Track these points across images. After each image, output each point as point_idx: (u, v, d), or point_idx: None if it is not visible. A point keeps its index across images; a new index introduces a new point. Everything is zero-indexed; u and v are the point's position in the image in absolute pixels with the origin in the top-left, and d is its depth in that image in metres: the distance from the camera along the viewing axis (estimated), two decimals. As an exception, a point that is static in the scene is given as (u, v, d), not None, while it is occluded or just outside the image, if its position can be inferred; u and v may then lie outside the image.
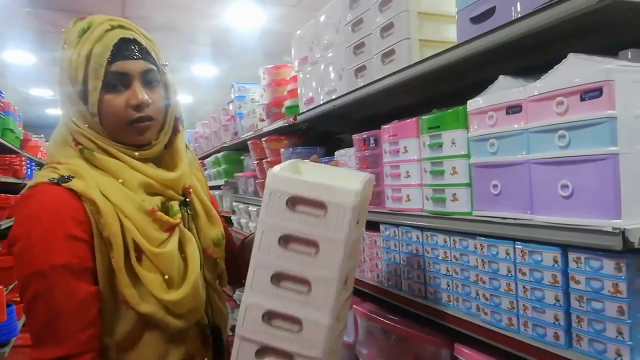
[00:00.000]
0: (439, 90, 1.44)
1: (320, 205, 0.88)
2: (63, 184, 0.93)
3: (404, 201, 1.34)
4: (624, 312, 0.81)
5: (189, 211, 1.09)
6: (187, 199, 1.09)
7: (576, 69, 0.89)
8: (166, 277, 0.96)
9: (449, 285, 1.23)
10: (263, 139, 2.53)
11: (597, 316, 0.85)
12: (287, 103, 2.31)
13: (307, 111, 1.98)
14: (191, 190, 1.10)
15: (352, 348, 1.68)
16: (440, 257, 1.25)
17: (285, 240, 0.90)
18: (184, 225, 1.06)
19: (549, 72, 0.95)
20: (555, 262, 0.92)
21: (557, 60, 0.94)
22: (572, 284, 0.90)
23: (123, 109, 0.98)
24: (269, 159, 2.49)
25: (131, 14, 4.67)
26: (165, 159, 1.07)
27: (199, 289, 1.02)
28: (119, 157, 1.00)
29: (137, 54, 0.99)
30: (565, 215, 0.89)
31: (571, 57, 0.91)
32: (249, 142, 2.79)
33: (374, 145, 1.48)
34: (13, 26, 4.88)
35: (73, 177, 0.95)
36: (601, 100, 0.82)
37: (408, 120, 1.32)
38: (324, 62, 1.83)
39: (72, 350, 0.88)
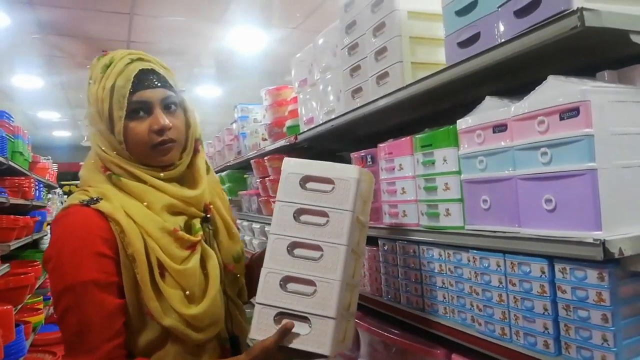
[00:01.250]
0: (431, 109, 1.50)
1: (328, 181, 1.06)
2: (92, 206, 1.01)
3: (401, 216, 1.39)
4: (608, 320, 0.85)
5: (210, 227, 1.15)
6: (208, 216, 1.15)
7: (555, 90, 0.94)
8: (187, 292, 1.03)
9: (444, 298, 1.27)
10: (265, 158, 2.59)
11: (583, 324, 0.89)
12: (288, 123, 2.37)
13: (307, 130, 2.04)
14: (212, 207, 1.17)
15: (354, 362, 1.71)
16: (435, 270, 1.29)
17: (299, 213, 1.07)
18: (206, 241, 1.12)
19: (531, 93, 1.00)
20: (543, 272, 0.96)
21: (540, 81, 1.00)
22: (559, 294, 0.94)
23: (146, 134, 1.06)
24: (271, 177, 2.54)
25: (137, 39, 4.79)
26: (187, 178, 1.15)
27: (219, 304, 1.09)
28: (145, 179, 1.07)
29: (155, 82, 1.07)
30: (550, 227, 0.94)
31: (551, 79, 0.96)
32: (252, 160, 2.86)
33: (371, 162, 1.54)
34: (22, 52, 5.02)
35: (101, 199, 1.03)
36: (579, 119, 0.88)
37: (402, 139, 1.37)
38: (322, 83, 1.90)
39: (100, 359, 0.95)
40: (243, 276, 1.23)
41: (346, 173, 1.06)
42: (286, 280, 1.04)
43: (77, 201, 1.03)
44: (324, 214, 1.05)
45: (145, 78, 1.06)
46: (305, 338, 1.01)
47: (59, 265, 0.97)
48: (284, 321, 1.01)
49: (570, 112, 0.89)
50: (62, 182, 10.55)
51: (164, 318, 1.00)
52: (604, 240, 0.83)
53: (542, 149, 0.94)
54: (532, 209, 0.98)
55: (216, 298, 1.07)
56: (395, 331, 1.48)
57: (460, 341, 1.20)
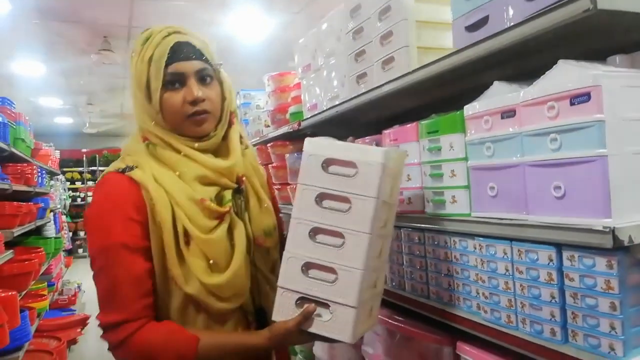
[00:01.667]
0: (439, 95, 1.48)
1: (351, 164, 1.00)
2: (127, 173, 1.07)
3: (406, 204, 1.38)
4: (616, 308, 0.85)
5: (241, 199, 1.16)
6: (241, 187, 1.16)
7: (566, 74, 0.92)
8: (211, 261, 1.05)
9: (449, 285, 1.26)
10: (268, 145, 2.57)
11: (591, 312, 0.89)
12: (292, 109, 2.36)
13: (310, 117, 2.03)
14: (244, 179, 1.17)
15: (358, 348, 1.72)
16: (441, 258, 1.28)
17: (321, 198, 1.02)
18: (236, 213, 1.13)
19: (540, 77, 0.98)
20: (550, 260, 0.96)
21: (550, 65, 0.98)
22: (566, 282, 0.93)
23: (181, 104, 1.09)
24: (274, 164, 2.53)
25: (138, 24, 4.75)
26: (221, 149, 1.16)
27: (243, 275, 1.10)
28: (179, 148, 1.10)
29: (191, 54, 1.09)
30: (558, 215, 0.93)
31: (561, 63, 0.94)
32: (255, 147, 2.84)
33: (376, 149, 1.52)
34: (23, 38, 4.98)
35: (135, 167, 1.08)
36: (589, 104, 0.86)
37: (408, 125, 1.36)
38: (326, 69, 1.87)
39: (129, 316, 1.01)
40: (277, 251, 1.22)
41: (371, 156, 0.99)
42: (308, 266, 1.02)
43: (113, 169, 1.09)
44: (346, 200, 1.00)
45: (181, 50, 1.09)
46: (326, 324, 1.00)
47: (94, 229, 1.05)
48: (306, 305, 1.01)
49: (581, 97, 0.87)
50: (65, 169, 10.59)
51: (186, 285, 1.03)
52: (614, 227, 0.82)
53: (552, 135, 0.92)
54: (540, 196, 0.96)
55: (240, 269, 1.08)
56: (400, 318, 1.48)
57: (465, 328, 1.19)
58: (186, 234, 1.05)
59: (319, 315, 1.00)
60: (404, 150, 1.15)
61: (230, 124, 1.18)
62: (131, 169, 1.08)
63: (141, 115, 1.12)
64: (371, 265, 1.02)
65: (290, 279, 1.03)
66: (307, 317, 1.00)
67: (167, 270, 1.04)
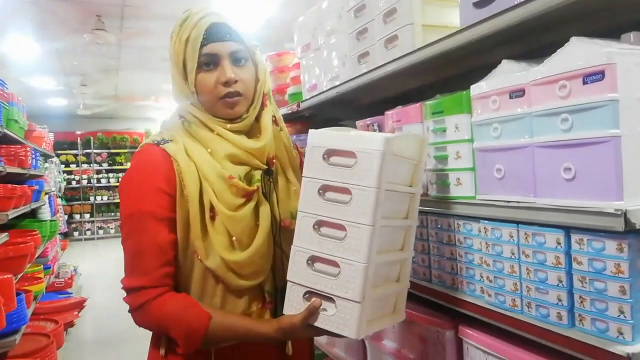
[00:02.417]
0: (443, 75, 1.45)
1: (351, 155, 0.97)
2: (161, 145, 1.11)
3: (408, 186, 1.36)
4: (625, 292, 0.83)
5: (270, 180, 1.16)
6: (271, 169, 1.16)
7: (578, 52, 0.89)
8: (234, 238, 1.07)
9: (453, 269, 1.25)
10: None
11: (599, 296, 0.87)
12: (290, 90, 2.31)
13: (310, 98, 1.99)
14: (275, 161, 1.17)
15: (358, 331, 1.71)
16: (444, 241, 1.27)
17: (324, 190, 1.01)
18: (264, 193, 1.14)
19: (551, 55, 0.95)
20: (558, 243, 0.94)
21: (561, 44, 0.94)
22: (574, 265, 0.91)
23: (214, 85, 1.10)
24: (272, 147, 2.49)
25: (131, 3, 4.65)
26: (254, 131, 1.17)
27: (265, 255, 1.10)
28: (212, 127, 1.12)
29: (226, 36, 1.10)
30: (568, 197, 0.90)
31: (574, 40, 0.91)
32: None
33: (377, 131, 1.49)
34: (14, 16, 4.87)
35: (170, 141, 1.12)
36: (603, 83, 0.83)
37: (412, 106, 1.33)
38: (326, 48, 1.83)
39: (149, 283, 1.05)
40: None
41: (370, 145, 0.95)
42: (313, 260, 1.01)
43: (150, 140, 1.13)
44: (347, 191, 0.97)
45: (216, 31, 1.10)
46: (331, 319, 0.98)
47: (126, 195, 1.09)
48: (313, 299, 0.99)
49: (594, 76, 0.84)
50: (59, 152, 10.50)
51: (207, 259, 1.06)
52: (626, 210, 0.80)
53: (563, 115, 0.90)
54: (549, 178, 0.94)
55: (262, 249, 1.09)
56: (400, 301, 1.46)
57: (468, 312, 1.18)
58: (212, 209, 1.07)
59: (325, 310, 0.99)
60: (422, 136, 1.11)
61: (263, 106, 1.18)
62: (166, 141, 1.11)
63: (178, 94, 1.15)
64: (380, 259, 0.99)
65: (297, 272, 1.02)
66: (313, 313, 0.99)
67: (190, 242, 1.07)
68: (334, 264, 0.98)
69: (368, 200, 0.95)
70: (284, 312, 1.04)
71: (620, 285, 0.84)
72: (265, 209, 1.12)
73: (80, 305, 4.76)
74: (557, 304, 0.95)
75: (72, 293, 5.31)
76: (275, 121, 1.20)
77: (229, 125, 1.12)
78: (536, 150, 0.96)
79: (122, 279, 1.08)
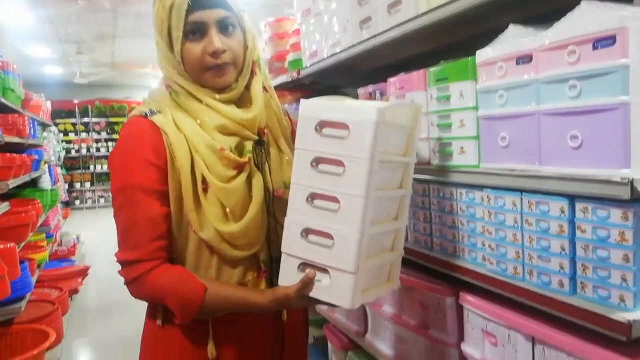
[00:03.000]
0: (448, 41, 1.41)
1: (344, 126, 0.95)
2: (149, 117, 1.07)
3: (411, 155, 1.34)
4: (629, 260, 0.83)
5: (263, 151, 1.15)
6: (262, 139, 1.14)
7: (589, 16, 0.86)
8: (228, 210, 1.06)
9: (454, 237, 1.25)
10: (267, 95, 2.50)
11: (602, 264, 0.87)
12: (290, 57, 2.27)
13: (311, 65, 1.95)
14: (266, 131, 1.15)
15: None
16: (446, 210, 1.26)
17: (317, 162, 0.99)
18: (257, 164, 1.13)
19: (561, 19, 0.92)
20: (563, 212, 0.93)
21: (570, 8, 0.91)
22: (578, 234, 0.91)
23: (201, 56, 1.06)
24: (273, 115, 2.47)
25: (126, -33, 4.52)
26: (244, 100, 1.14)
27: (259, 225, 1.10)
28: (200, 98, 1.09)
29: (212, 2, 1.05)
30: (573, 166, 0.89)
31: (585, 4, 0.88)
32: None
33: (380, 98, 1.47)
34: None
35: (158, 112, 1.08)
36: (614, 48, 0.81)
37: (415, 73, 1.30)
38: (327, 13, 1.78)
39: (143, 257, 1.04)
40: None
41: (363, 115, 0.93)
42: (307, 232, 1.00)
43: (138, 112, 1.10)
44: (340, 163, 0.96)
45: None
46: (326, 289, 0.99)
47: (115, 169, 1.08)
48: (307, 271, 0.99)
49: (605, 41, 0.82)
50: (57, 121, 10.42)
51: (201, 231, 1.05)
52: (633, 179, 0.79)
53: (571, 82, 0.88)
54: (555, 147, 0.93)
55: (256, 219, 1.08)
56: (401, 269, 1.47)
57: (469, 279, 1.19)
58: (204, 181, 1.06)
59: (320, 281, 0.99)
60: (418, 105, 1.09)
61: (253, 74, 1.15)
62: (154, 113, 1.08)
63: (164, 63, 1.11)
64: (374, 230, 0.99)
65: (291, 244, 1.02)
66: (307, 284, 1.00)
67: (184, 215, 1.06)
68: (328, 236, 0.98)
69: (362, 171, 0.94)
70: (279, 284, 1.04)
71: (624, 253, 0.84)
72: (258, 180, 1.11)
73: (84, 273, 4.82)
74: (559, 271, 0.95)
75: (75, 261, 5.37)
76: (265, 89, 1.17)
77: (217, 96, 1.09)
78: (542, 118, 0.95)
79: (116, 252, 1.08)
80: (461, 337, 1.26)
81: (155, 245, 1.05)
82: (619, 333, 0.82)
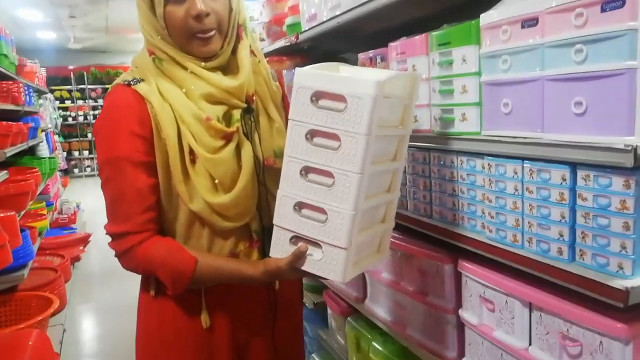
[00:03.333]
0: (451, 3, 1.37)
1: (341, 98, 0.92)
2: (132, 86, 1.04)
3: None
4: (629, 228, 0.83)
5: (252, 119, 1.11)
6: (251, 107, 1.11)
7: (599, -24, 0.83)
8: (216, 181, 1.04)
9: (454, 205, 1.25)
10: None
11: (602, 232, 0.87)
12: (288, 21, 2.21)
13: (309, 29, 1.90)
14: (255, 97, 1.12)
15: (358, 265, 1.74)
16: (446, 178, 1.26)
17: (312, 135, 0.96)
18: (245, 133, 1.10)
19: (569, -19, 0.89)
20: (564, 180, 0.92)
21: (579, -32, 0.88)
22: (579, 201, 0.91)
23: (184, 19, 1.02)
24: (271, 81, 2.42)
25: None
26: (231, 66, 1.10)
27: (249, 195, 1.09)
28: (186, 65, 1.05)
29: None
30: (576, 133, 0.88)
31: (594, -37, 0.85)
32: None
33: (380, 63, 1.44)
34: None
35: (142, 81, 1.05)
36: (623, 10, 0.78)
37: (417, 37, 1.27)
38: (327, -25, 1.72)
39: (132, 229, 1.04)
40: None
41: (361, 88, 0.89)
42: (300, 205, 0.99)
43: (121, 81, 1.07)
44: (336, 137, 0.93)
45: None
46: (318, 263, 0.98)
47: (100, 140, 1.05)
48: (299, 244, 0.99)
49: (614, 3, 0.79)
50: (52, 87, 10.29)
51: (191, 202, 1.04)
52: (636, 146, 0.78)
53: (577, 46, 0.85)
54: (558, 113, 0.91)
55: (246, 189, 1.07)
56: (400, 236, 1.48)
57: (468, 247, 1.19)
58: (192, 152, 1.03)
59: (311, 254, 0.99)
60: (416, 73, 1.06)
61: (238, 38, 1.11)
62: (137, 82, 1.05)
63: (146, 27, 1.07)
64: (367, 205, 0.98)
65: (283, 217, 1.01)
66: (299, 257, 0.99)
67: (173, 186, 1.05)
68: (322, 210, 0.96)
69: (358, 147, 0.91)
70: (269, 255, 1.04)
71: (624, 221, 0.83)
72: (247, 150, 1.09)
73: (85, 240, 4.86)
74: (558, 239, 0.95)
75: (76, 229, 5.41)
76: (252, 53, 1.13)
77: (203, 64, 1.06)
78: (546, 84, 0.93)
79: (105, 224, 1.07)
80: (459, 304, 1.27)
81: (144, 217, 1.04)
82: (616, 300, 0.83)
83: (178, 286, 1.05)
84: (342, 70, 1.06)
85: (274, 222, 1.02)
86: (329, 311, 2.09)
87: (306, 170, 0.97)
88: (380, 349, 1.64)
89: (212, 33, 1.04)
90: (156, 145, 1.03)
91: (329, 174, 0.95)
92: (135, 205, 1.03)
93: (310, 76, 0.95)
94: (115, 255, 1.08)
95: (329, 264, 0.97)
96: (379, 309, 1.64)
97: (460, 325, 1.27)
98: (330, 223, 0.95)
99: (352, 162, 0.92)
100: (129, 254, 1.05)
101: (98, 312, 3.82)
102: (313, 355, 2.24)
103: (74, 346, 3.21)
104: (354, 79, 0.92)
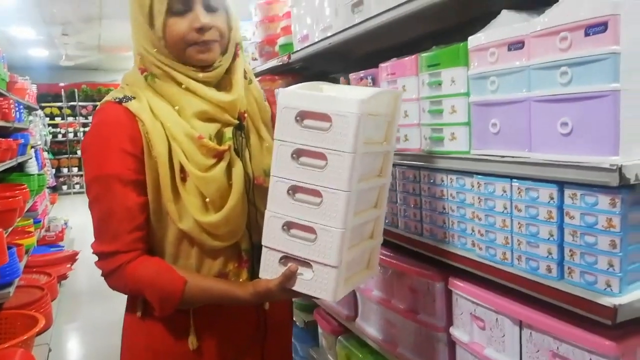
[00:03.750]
0: (440, 25, 1.40)
1: (326, 117, 0.92)
2: (123, 104, 1.04)
3: (402, 141, 1.35)
4: (616, 246, 0.84)
5: (242, 136, 1.12)
6: (242, 124, 1.12)
7: (581, 2, 0.86)
8: (207, 199, 1.04)
9: (444, 223, 1.26)
10: (256, 79, 2.47)
11: (589, 250, 0.88)
12: (281, 41, 2.24)
13: (301, 49, 1.93)
14: (246, 115, 1.13)
15: (349, 283, 1.74)
16: (436, 196, 1.27)
17: (298, 154, 0.96)
18: (236, 150, 1.10)
19: (553, 5, 0.92)
20: (551, 198, 0.94)
21: (563, -7, 0.91)
22: (566, 220, 0.92)
23: (186, 31, 1.03)
24: (263, 100, 2.45)
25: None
26: (224, 83, 1.11)
27: (239, 214, 1.08)
28: (180, 80, 1.05)
29: None
30: (563, 152, 0.90)
31: (578, -11, 0.88)
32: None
33: (371, 84, 1.46)
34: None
35: (133, 98, 1.05)
36: (606, 35, 0.81)
37: (407, 58, 1.29)
38: (319, -4, 1.76)
39: (120, 248, 1.02)
40: None
41: (345, 107, 0.90)
42: (289, 225, 0.98)
43: (111, 98, 1.06)
44: (322, 156, 0.93)
45: None
46: (308, 283, 0.98)
47: (89, 158, 1.05)
48: (289, 264, 0.98)
49: (597, 27, 0.82)
50: (43, 104, 10.25)
51: (180, 222, 1.03)
52: (621, 165, 0.80)
53: (562, 69, 0.88)
54: (545, 133, 0.93)
55: (236, 208, 1.06)
56: (391, 254, 1.49)
57: (458, 265, 1.20)
58: (182, 170, 1.03)
59: (302, 274, 0.98)
60: (398, 91, 1.08)
61: (235, 57, 1.12)
62: (128, 99, 1.04)
63: (141, 41, 1.06)
64: (355, 222, 0.98)
65: (272, 238, 1.00)
66: (289, 278, 0.98)
67: (163, 205, 1.04)
68: (311, 229, 0.96)
69: (344, 165, 0.91)
70: (259, 276, 1.03)
71: (611, 239, 0.85)
72: (237, 168, 1.08)
73: (72, 258, 4.79)
74: (547, 257, 0.96)
75: (64, 246, 5.34)
76: (245, 73, 1.15)
77: (201, 75, 1.06)
78: (533, 105, 0.95)
79: (92, 243, 1.06)
80: (450, 321, 1.27)
81: (133, 236, 1.03)
82: (604, 317, 0.84)
83: (166, 307, 1.03)
84: (325, 89, 1.07)
85: (263, 242, 1.02)
86: (320, 330, 2.08)
87: (293, 190, 0.97)
88: (372, 368, 1.63)
89: (212, 43, 1.05)
90: (147, 164, 1.02)
91: (316, 193, 0.95)
92: (124, 224, 1.02)
93: (295, 96, 0.96)
94: (102, 275, 1.06)
95: (319, 283, 0.97)
96: (370, 328, 1.63)
97: (451, 344, 1.27)
98: (320, 242, 0.95)
99: (339, 180, 0.92)
100: (116, 274, 1.03)
101: (84, 331, 3.75)
102: (304, 375, 2.21)
103: (59, 367, 3.14)
104: (338, 98, 0.93)
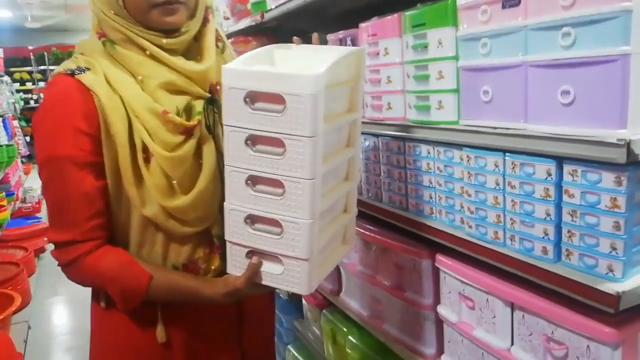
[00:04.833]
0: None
1: (278, 98, 0.81)
2: (76, 76, 0.92)
3: (385, 109, 1.24)
4: (620, 228, 0.77)
5: (215, 111, 1.00)
6: (215, 97, 1.00)
7: (589, -50, 0.75)
8: (174, 182, 0.94)
9: (431, 197, 1.17)
10: (229, 41, 2.32)
11: (590, 231, 0.81)
12: (253, -2, 2.08)
13: (275, 7, 1.79)
14: (219, 87, 1.00)
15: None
16: (423, 169, 1.18)
17: (253, 141, 0.85)
18: (209, 126, 0.99)
19: (555, -45, 0.80)
20: (549, 174, 0.86)
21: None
22: (565, 198, 0.84)
23: None
24: (237, 63, 2.30)
25: None
26: (194, 51, 0.99)
27: (209, 198, 0.98)
28: (144, 45, 0.93)
29: None
30: (563, 124, 0.81)
31: None
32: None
33: (351, 46, 1.34)
34: None
35: (87, 69, 0.93)
36: (616, -11, 0.70)
37: (389, 17, 1.17)
38: (292, -52, 1.60)
39: (79, 237, 0.93)
40: None
41: (298, 86, 0.78)
42: (252, 219, 0.89)
43: (63, 69, 0.95)
44: (279, 142, 0.83)
45: None
46: (279, 277, 0.90)
47: (40, 138, 0.94)
48: (252, 258, 0.90)
49: (606, -20, 0.71)
50: (11, 69, 9.80)
51: (143, 207, 0.94)
52: (630, 140, 0.71)
53: (565, 29, 0.77)
54: (543, 102, 0.84)
55: (206, 191, 0.97)
56: (375, 229, 1.41)
57: (446, 242, 1.13)
58: (145, 150, 0.92)
59: (271, 268, 0.90)
60: (360, 48, 0.97)
61: (205, 22, 1.00)
62: (82, 71, 0.93)
63: (97, 2, 0.95)
64: (325, 204, 0.90)
65: (235, 232, 0.91)
66: (256, 272, 0.90)
67: (123, 189, 0.94)
68: (275, 222, 0.87)
69: (305, 151, 0.81)
70: (227, 271, 0.95)
71: (614, 220, 0.77)
72: (209, 146, 0.98)
73: (50, 230, 4.67)
74: (543, 237, 0.89)
75: (41, 218, 5.20)
76: (217, 39, 1.03)
77: (165, 40, 0.93)
78: (530, 70, 0.85)
79: (47, 232, 0.97)
80: (437, 300, 1.21)
81: (91, 223, 0.93)
82: (606, 304, 0.77)
83: (130, 303, 0.96)
84: (278, 57, 0.95)
85: (226, 237, 0.93)
86: (304, 302, 2.03)
87: (252, 181, 0.87)
88: (357, 343, 1.58)
89: (178, 5, 0.93)
90: (104, 144, 0.92)
91: (278, 183, 0.85)
92: (81, 211, 0.92)
93: (241, 74, 0.83)
94: (59, 266, 0.97)
95: (291, 277, 0.89)
96: (355, 303, 1.58)
97: (439, 322, 1.22)
98: (287, 235, 0.86)
99: (300, 167, 0.82)
100: (74, 265, 0.95)
101: (66, 306, 3.68)
102: (289, 346, 2.18)
103: (40, 343, 3.08)
104: (289, 75, 0.80)
